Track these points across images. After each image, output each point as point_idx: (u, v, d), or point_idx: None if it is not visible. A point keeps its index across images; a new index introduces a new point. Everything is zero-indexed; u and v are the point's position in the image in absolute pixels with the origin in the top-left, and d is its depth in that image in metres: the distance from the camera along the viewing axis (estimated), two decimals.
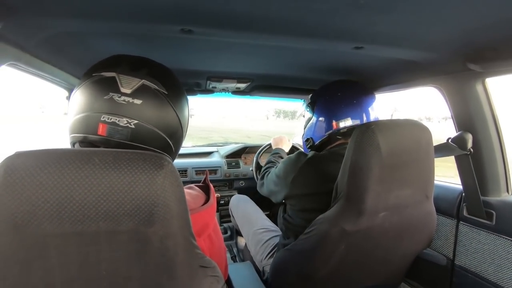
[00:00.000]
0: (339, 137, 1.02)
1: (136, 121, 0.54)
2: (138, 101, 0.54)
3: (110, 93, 0.53)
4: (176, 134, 0.61)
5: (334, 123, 0.99)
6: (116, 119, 0.53)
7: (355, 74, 1.21)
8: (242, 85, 1.53)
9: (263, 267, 1.17)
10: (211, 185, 0.67)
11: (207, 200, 0.63)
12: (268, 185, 1.15)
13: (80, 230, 0.39)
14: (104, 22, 0.68)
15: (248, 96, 1.74)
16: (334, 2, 0.56)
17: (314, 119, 1.07)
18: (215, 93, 1.71)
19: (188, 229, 0.45)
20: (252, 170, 1.94)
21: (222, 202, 1.99)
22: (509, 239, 0.92)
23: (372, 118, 1.00)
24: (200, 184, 0.70)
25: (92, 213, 0.38)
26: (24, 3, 0.57)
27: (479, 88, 0.97)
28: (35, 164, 0.38)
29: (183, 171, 1.99)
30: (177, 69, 1.19)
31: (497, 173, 1.02)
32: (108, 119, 0.53)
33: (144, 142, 0.55)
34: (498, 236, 0.95)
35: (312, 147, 1.08)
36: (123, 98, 0.53)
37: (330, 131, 1.00)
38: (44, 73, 0.93)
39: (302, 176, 0.93)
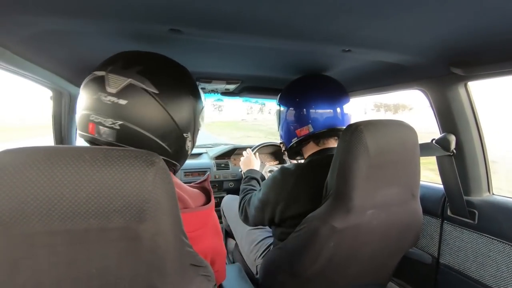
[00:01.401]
0: (307, 141, 1.00)
1: (120, 122, 0.52)
2: (123, 101, 0.52)
3: (98, 93, 0.52)
4: (170, 135, 0.58)
5: (298, 130, 1.00)
6: (102, 120, 0.52)
7: (343, 76, 1.22)
8: (231, 86, 1.53)
9: (256, 266, 1.16)
10: (210, 189, 0.67)
11: (207, 201, 0.63)
12: (253, 216, 1.02)
13: (69, 227, 0.38)
14: (90, 21, 0.67)
15: (238, 97, 1.74)
16: (323, 6, 0.57)
17: (282, 123, 1.07)
18: (204, 94, 1.70)
19: (179, 226, 0.45)
20: (241, 171, 1.94)
21: None
22: (490, 238, 0.96)
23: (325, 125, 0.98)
24: (198, 185, 0.69)
25: (82, 210, 0.38)
26: (6, 1, 0.56)
27: (462, 91, 1.00)
28: (24, 161, 0.37)
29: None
30: None
31: (479, 174, 1.05)
32: (95, 119, 0.52)
33: (131, 143, 0.53)
34: (480, 234, 0.99)
35: (287, 151, 1.07)
36: (108, 98, 0.52)
37: (296, 139, 1.00)
38: (27, 72, 0.90)
39: (297, 194, 0.87)
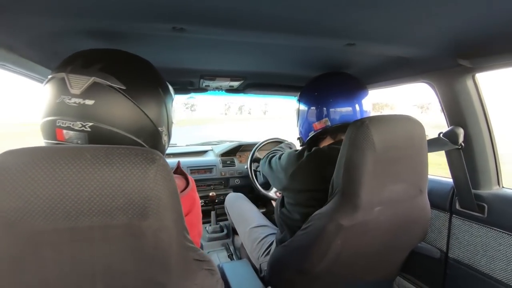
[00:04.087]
0: (324, 136, 1.03)
1: (91, 124, 0.50)
2: (90, 102, 0.49)
3: (61, 96, 0.50)
4: (144, 130, 0.56)
5: (315, 123, 1.02)
6: (70, 123, 0.49)
7: (347, 71, 1.21)
8: (235, 83, 1.53)
9: (260, 265, 1.17)
10: (185, 172, 0.67)
11: (187, 184, 0.63)
12: (269, 168, 1.11)
13: (73, 225, 0.39)
14: (95, 21, 0.67)
15: (242, 94, 1.74)
16: (325, 0, 0.56)
17: (299, 120, 1.10)
18: (208, 91, 1.70)
19: (181, 222, 0.46)
20: (247, 168, 1.94)
21: (217, 200, 1.98)
22: (500, 231, 0.94)
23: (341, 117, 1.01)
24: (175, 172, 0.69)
25: (86, 208, 0.38)
26: (12, 2, 0.56)
27: (469, 83, 0.98)
28: (26, 161, 0.37)
29: None
30: (170, 68, 1.18)
31: (488, 167, 1.04)
32: (63, 124, 0.49)
33: (105, 144, 0.51)
34: (490, 228, 0.97)
35: (303, 145, 1.09)
36: (73, 100, 0.49)
37: (313, 132, 1.03)
38: (33, 73, 0.91)
39: (301, 171, 0.93)
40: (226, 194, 1.93)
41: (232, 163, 2.15)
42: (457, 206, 1.08)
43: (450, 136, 1.01)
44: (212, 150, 2.31)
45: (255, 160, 1.91)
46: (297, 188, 0.95)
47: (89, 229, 0.39)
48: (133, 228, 0.41)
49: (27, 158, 0.38)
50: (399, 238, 0.87)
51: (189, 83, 1.55)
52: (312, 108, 1.04)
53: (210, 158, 2.19)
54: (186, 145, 2.51)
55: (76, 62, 0.52)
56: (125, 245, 0.41)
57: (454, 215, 1.10)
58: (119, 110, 0.52)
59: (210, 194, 1.90)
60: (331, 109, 0.99)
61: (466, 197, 1.03)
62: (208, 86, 1.58)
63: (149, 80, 0.59)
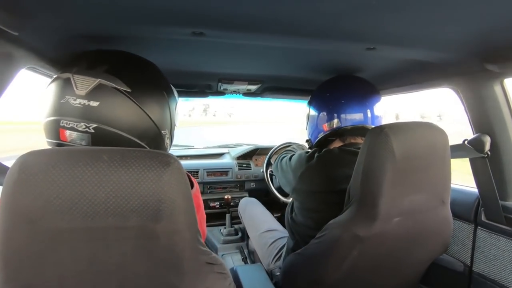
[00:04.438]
0: (333, 138, 1.02)
1: (95, 125, 0.50)
2: (95, 103, 0.50)
3: (66, 96, 0.50)
4: (147, 133, 0.57)
5: (324, 125, 1.01)
6: (74, 124, 0.50)
7: (367, 75, 1.19)
8: (253, 87, 1.54)
9: (271, 271, 1.16)
10: (187, 173, 0.69)
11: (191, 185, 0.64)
12: (280, 169, 1.10)
13: (90, 225, 0.40)
14: (118, 25, 0.70)
15: (259, 97, 1.75)
16: (345, 3, 0.56)
17: (309, 122, 1.09)
18: (226, 95, 1.72)
19: (194, 225, 0.46)
20: (263, 171, 1.94)
21: (233, 203, 1.99)
22: None
23: (352, 119, 0.99)
24: None
25: (102, 209, 0.40)
26: (42, 9, 0.59)
27: (497, 89, 0.93)
28: (47, 162, 0.39)
29: (195, 172, 2.01)
30: (188, 71, 1.21)
31: None
32: (67, 124, 0.50)
33: (108, 146, 0.51)
34: None
35: (311, 148, 1.08)
36: (78, 100, 0.50)
37: (322, 133, 1.01)
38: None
39: (311, 172, 0.91)
40: (241, 197, 1.94)
41: (248, 167, 2.16)
42: (483, 218, 1.02)
43: (476, 143, 0.97)
44: (228, 153, 2.32)
45: (271, 164, 1.91)
46: (306, 189, 0.93)
47: (105, 229, 0.41)
48: (146, 230, 0.41)
49: (48, 159, 0.39)
50: (418, 250, 0.83)
51: (207, 87, 1.58)
52: (322, 109, 1.03)
53: (227, 160, 2.21)
54: (204, 147, 2.54)
55: (81, 63, 0.53)
56: (138, 247, 0.42)
57: (479, 227, 1.04)
58: (123, 113, 0.53)
59: (225, 196, 1.91)
60: (342, 111, 0.98)
61: (493, 208, 0.98)
62: (226, 89, 1.60)
63: (154, 83, 0.60)
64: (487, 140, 0.95)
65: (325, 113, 1.01)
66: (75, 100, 0.50)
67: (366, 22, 0.65)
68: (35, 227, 0.39)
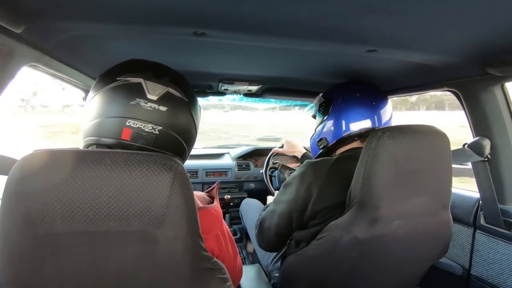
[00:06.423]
0: (356, 138, 0.99)
1: (160, 128, 0.55)
2: (163, 108, 0.55)
3: (137, 99, 0.54)
4: (192, 140, 0.63)
5: (352, 124, 0.97)
6: (141, 125, 0.54)
7: (368, 77, 1.19)
8: (253, 88, 1.54)
9: (269, 272, 1.16)
10: (216, 196, 0.68)
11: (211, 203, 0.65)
12: (276, 224, 0.94)
13: (91, 229, 0.40)
14: (119, 25, 0.70)
15: (260, 98, 1.75)
16: (346, 5, 0.56)
17: (329, 119, 1.05)
18: (226, 95, 1.72)
19: (196, 231, 0.46)
20: (262, 172, 1.94)
21: (232, 204, 1.99)
22: None
23: (384, 121, 0.98)
24: (207, 194, 0.71)
25: (103, 213, 0.39)
26: (45, 7, 0.60)
27: (497, 92, 0.94)
28: (49, 163, 0.39)
29: (194, 172, 2.00)
30: (189, 71, 1.21)
31: None
32: (133, 124, 0.53)
33: (165, 147, 0.56)
34: None
35: (324, 148, 1.07)
36: (149, 104, 0.54)
37: (348, 132, 0.98)
38: (62, 74, 0.96)
39: (330, 184, 0.84)
40: (241, 198, 1.93)
41: (248, 167, 2.16)
42: (482, 222, 1.02)
43: (476, 147, 0.97)
44: (228, 153, 2.32)
45: (271, 164, 1.91)
46: (326, 205, 0.83)
47: (106, 233, 0.40)
48: (148, 235, 0.41)
49: (50, 161, 0.39)
50: (418, 253, 0.83)
51: (208, 87, 1.58)
52: (330, 116, 1.02)
53: (226, 161, 2.20)
54: (203, 148, 2.54)
55: (146, 72, 0.56)
56: (139, 252, 0.42)
57: (478, 231, 1.04)
58: (182, 120, 0.58)
59: (225, 197, 1.91)
60: (350, 117, 0.97)
61: (492, 212, 0.98)
62: (227, 90, 1.60)
63: (195, 95, 0.65)
64: (487, 143, 0.96)
65: (332, 121, 1.00)
66: (146, 103, 0.54)
67: (367, 25, 0.65)
68: (34, 230, 0.39)
